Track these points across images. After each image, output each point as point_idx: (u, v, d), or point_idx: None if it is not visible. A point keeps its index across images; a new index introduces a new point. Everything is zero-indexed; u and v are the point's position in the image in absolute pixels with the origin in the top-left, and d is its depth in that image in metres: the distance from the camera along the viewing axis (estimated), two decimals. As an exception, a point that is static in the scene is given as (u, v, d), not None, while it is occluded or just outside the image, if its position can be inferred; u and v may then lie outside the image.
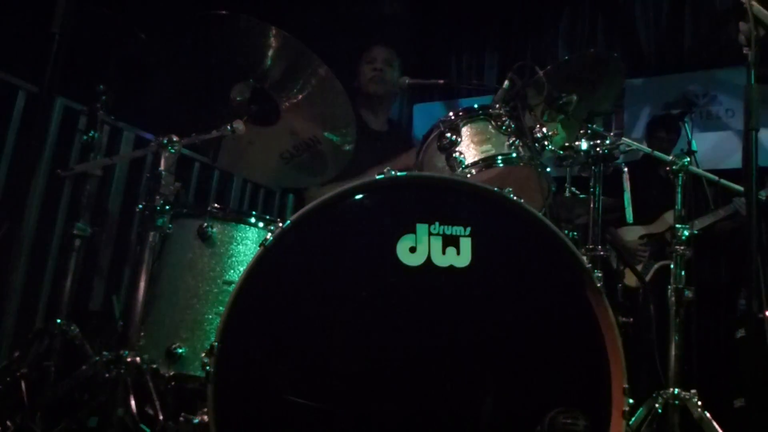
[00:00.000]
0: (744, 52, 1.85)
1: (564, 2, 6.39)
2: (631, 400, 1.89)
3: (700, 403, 2.53)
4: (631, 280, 4.34)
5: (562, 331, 1.94)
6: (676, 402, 2.55)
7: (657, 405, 2.56)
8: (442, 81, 3.21)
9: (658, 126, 5.02)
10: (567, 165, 2.90)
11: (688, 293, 2.62)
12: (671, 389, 2.57)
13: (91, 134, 2.81)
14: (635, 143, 2.84)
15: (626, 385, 1.88)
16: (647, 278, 4.48)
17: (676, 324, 2.62)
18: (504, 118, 2.50)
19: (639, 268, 4.53)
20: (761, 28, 1.84)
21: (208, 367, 1.76)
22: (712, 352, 4.22)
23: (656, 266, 4.53)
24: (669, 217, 4.49)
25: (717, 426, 2.46)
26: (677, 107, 5.54)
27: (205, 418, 1.75)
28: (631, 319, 3.19)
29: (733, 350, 4.12)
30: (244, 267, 1.84)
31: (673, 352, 2.61)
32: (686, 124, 4.71)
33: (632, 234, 4.64)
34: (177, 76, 2.56)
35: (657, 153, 2.95)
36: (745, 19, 1.83)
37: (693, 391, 2.57)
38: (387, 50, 3.63)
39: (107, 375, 2.14)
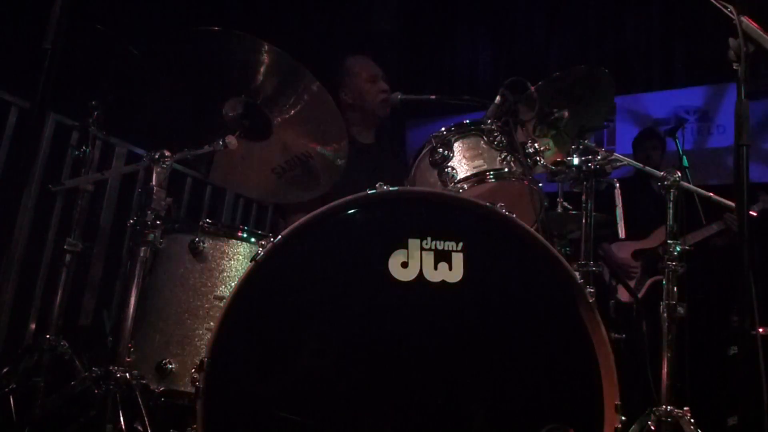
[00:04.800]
0: (734, 68, 1.86)
1: (555, 18, 6.44)
2: (623, 417, 1.88)
3: (693, 420, 2.52)
4: (624, 295, 4.34)
5: (555, 347, 1.94)
6: (669, 419, 2.54)
7: (650, 422, 2.55)
8: (433, 96, 3.21)
9: (644, 137, 5.06)
10: (559, 180, 2.90)
11: (681, 309, 2.61)
12: (664, 406, 2.56)
13: (82, 149, 2.81)
14: (626, 158, 2.84)
15: (618, 402, 1.87)
16: (640, 294, 4.48)
17: (669, 340, 2.62)
18: (496, 134, 2.51)
19: (632, 284, 4.53)
20: (751, 44, 1.85)
21: (198, 383, 1.75)
22: (705, 369, 4.21)
23: (649, 282, 4.53)
24: (662, 232, 4.50)
25: (710, 444, 2.45)
26: (668, 123, 5.59)
27: (195, 434, 1.73)
28: (624, 335, 3.18)
29: (726, 367, 4.12)
30: (236, 282, 1.83)
31: (665, 368, 2.60)
32: (677, 140, 4.74)
33: (625, 250, 4.65)
34: (169, 91, 2.55)
35: (648, 168, 2.96)
36: (735, 36, 1.85)
37: (686, 408, 2.55)
38: (377, 65, 3.52)
39: (97, 391, 2.13)
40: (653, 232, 4.60)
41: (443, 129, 2.53)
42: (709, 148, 5.68)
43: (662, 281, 2.69)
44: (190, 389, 1.83)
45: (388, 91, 3.42)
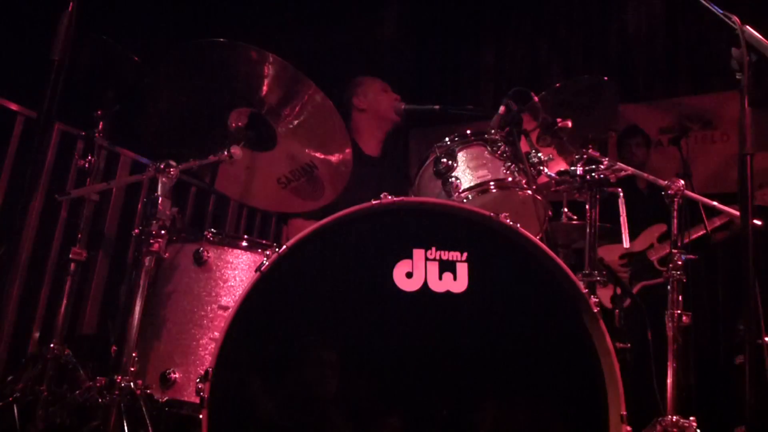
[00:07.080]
0: (737, 77, 1.86)
1: (559, 27, 6.46)
2: (629, 428, 1.87)
3: (699, 430, 2.51)
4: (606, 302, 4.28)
5: (559, 356, 1.93)
6: (675, 429, 2.52)
7: (655, 432, 2.54)
8: (437, 106, 3.22)
9: (627, 135, 5.02)
10: (563, 190, 2.90)
11: (686, 318, 2.60)
12: (670, 416, 2.54)
13: (88, 159, 2.82)
14: (630, 167, 2.84)
15: (624, 412, 1.87)
16: (626, 303, 4.40)
17: (675, 350, 2.60)
18: (500, 143, 2.51)
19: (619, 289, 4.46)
20: (753, 54, 1.85)
21: (202, 393, 1.75)
22: (712, 379, 4.18)
23: (639, 286, 4.45)
24: (650, 234, 4.49)
25: (717, 455, 2.43)
26: (672, 131, 5.58)
27: (199, 444, 1.73)
28: (629, 345, 3.17)
29: (733, 377, 4.09)
30: (240, 292, 1.83)
31: (671, 378, 2.59)
32: (681, 149, 4.72)
33: (612, 253, 4.59)
34: (175, 102, 2.56)
35: (652, 177, 2.95)
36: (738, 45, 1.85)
37: (692, 418, 2.54)
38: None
39: (100, 400, 2.12)
40: (641, 234, 4.55)
41: (447, 139, 2.54)
42: (712, 155, 5.66)
43: (653, 286, 2.68)
44: (195, 399, 1.83)
45: (399, 98, 3.51)
